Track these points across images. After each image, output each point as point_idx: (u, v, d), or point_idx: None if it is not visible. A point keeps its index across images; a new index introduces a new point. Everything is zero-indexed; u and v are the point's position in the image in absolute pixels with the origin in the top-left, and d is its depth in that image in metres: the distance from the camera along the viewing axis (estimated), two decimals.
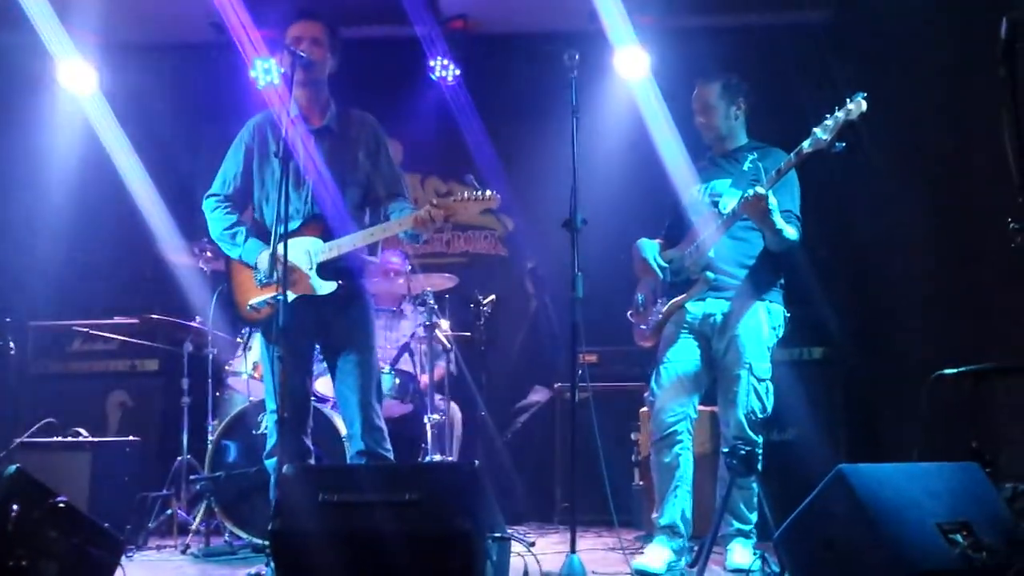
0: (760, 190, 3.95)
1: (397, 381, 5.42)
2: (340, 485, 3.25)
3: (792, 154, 3.94)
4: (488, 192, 3.96)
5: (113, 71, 6.67)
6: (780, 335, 4.28)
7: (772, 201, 3.97)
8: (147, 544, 5.22)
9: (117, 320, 6.14)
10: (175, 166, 6.68)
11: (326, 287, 4.01)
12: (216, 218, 4.21)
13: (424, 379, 5.51)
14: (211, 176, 4.32)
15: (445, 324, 5.74)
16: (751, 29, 6.57)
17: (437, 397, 5.56)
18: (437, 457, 5.33)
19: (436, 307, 5.52)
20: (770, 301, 4.25)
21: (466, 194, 3.98)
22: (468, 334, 5.95)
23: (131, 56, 6.79)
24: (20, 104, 6.63)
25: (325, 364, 4.31)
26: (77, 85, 6.54)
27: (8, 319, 5.95)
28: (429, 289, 5.54)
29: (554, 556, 4.40)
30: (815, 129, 3.83)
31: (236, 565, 4.56)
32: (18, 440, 5.28)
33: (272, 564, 3.37)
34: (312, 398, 4.35)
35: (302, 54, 4.02)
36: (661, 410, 4.24)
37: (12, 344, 5.93)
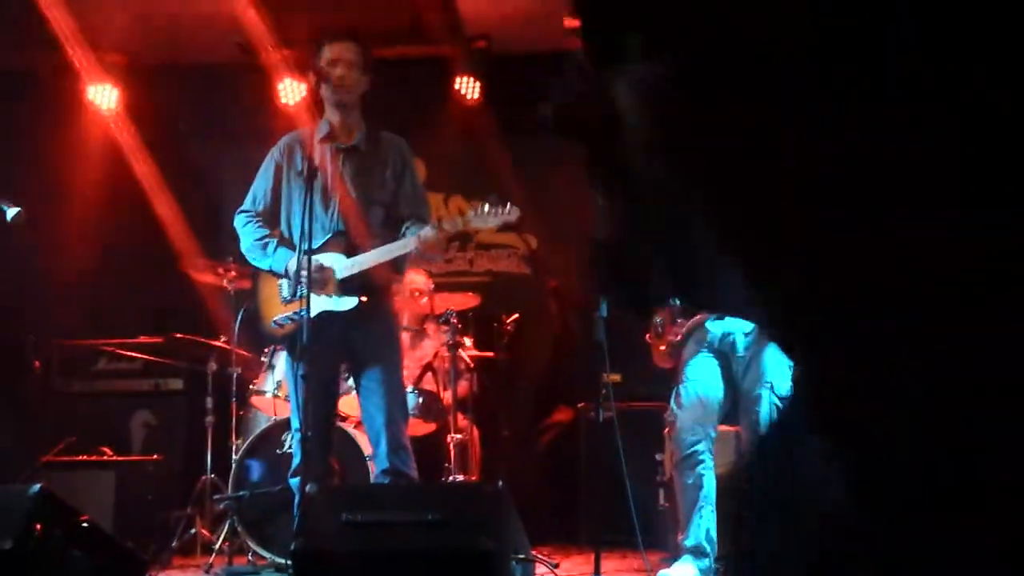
0: None
1: (420, 400, 5.41)
2: (363, 504, 3.24)
3: None
4: (508, 206, 3.96)
5: (140, 91, 6.74)
6: None
7: None
8: (171, 563, 5.21)
9: (142, 339, 6.17)
10: (201, 186, 6.73)
11: (348, 302, 4.01)
12: (247, 231, 4.24)
13: (447, 398, 5.50)
14: (237, 195, 4.35)
15: (468, 343, 5.73)
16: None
17: (460, 416, 5.54)
18: (460, 477, 5.31)
19: (459, 326, 5.50)
20: None
21: (486, 208, 3.98)
22: (491, 353, 5.93)
23: (158, 76, 6.86)
24: (49, 124, 6.69)
25: (350, 382, 4.30)
26: (104, 105, 6.61)
27: (33, 337, 6.00)
28: (452, 308, 5.53)
29: None
30: None
31: None
32: (43, 459, 5.31)
33: None
34: (337, 415, 4.35)
35: (336, 77, 4.05)
36: (682, 430, 4.21)
37: (37, 363, 5.98)
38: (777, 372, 4.13)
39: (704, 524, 4.16)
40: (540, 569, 4.64)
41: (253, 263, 4.25)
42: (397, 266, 4.24)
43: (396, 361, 4.18)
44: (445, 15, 6.36)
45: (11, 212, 4.11)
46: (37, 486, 3.28)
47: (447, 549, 3.11)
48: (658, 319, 4.50)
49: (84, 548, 3.34)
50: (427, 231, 3.98)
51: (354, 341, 4.10)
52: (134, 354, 6.12)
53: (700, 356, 4.26)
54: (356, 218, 4.09)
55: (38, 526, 3.17)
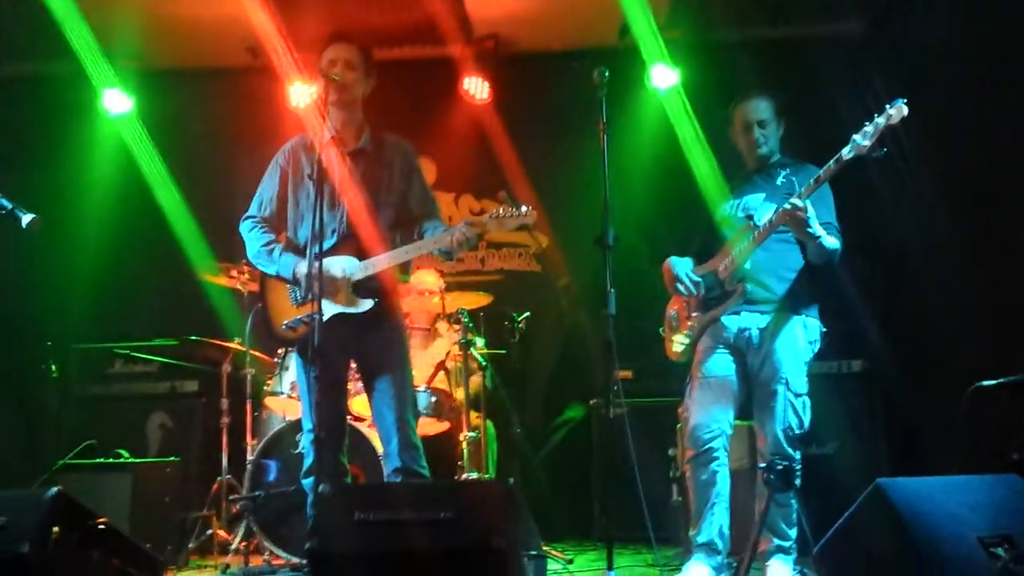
0: (797, 201, 3.93)
1: (433, 399, 5.44)
2: (376, 503, 3.25)
3: (832, 161, 3.89)
4: (524, 208, 3.98)
5: (151, 96, 6.80)
6: (816, 350, 4.24)
7: (810, 211, 3.96)
8: (188, 564, 5.27)
9: (157, 342, 6.23)
10: (212, 189, 6.78)
11: (362, 305, 4.04)
12: (253, 237, 4.27)
13: (459, 397, 5.52)
14: (248, 199, 4.38)
15: (480, 342, 5.75)
16: (784, 42, 6.56)
17: (473, 415, 5.56)
18: (473, 475, 5.34)
19: (471, 325, 5.53)
20: (806, 315, 4.21)
21: (501, 211, 4.01)
22: (503, 351, 5.96)
23: (168, 81, 6.92)
24: (62, 131, 6.75)
25: (361, 383, 4.33)
26: (116, 111, 6.67)
27: (50, 342, 6.06)
28: (464, 307, 5.56)
29: (591, 574, 4.39)
30: (855, 136, 3.79)
31: None
32: (60, 462, 5.36)
33: None
34: (348, 416, 4.38)
35: (335, 77, 4.08)
36: (697, 426, 4.21)
37: (54, 367, 6.04)
38: (793, 368, 4.13)
39: (717, 520, 4.17)
40: (553, 565, 4.67)
41: (260, 269, 4.28)
42: (405, 268, 4.27)
43: (406, 361, 4.20)
44: (453, 16, 6.39)
45: (26, 219, 4.13)
46: (54, 489, 3.31)
47: (459, 547, 3.12)
48: (673, 312, 4.50)
49: (102, 550, 3.38)
50: (455, 229, 4.01)
51: (365, 343, 4.12)
52: (149, 357, 6.18)
53: (716, 352, 4.26)
54: (365, 221, 4.10)
55: (56, 529, 3.20)
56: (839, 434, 5.20)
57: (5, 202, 4.12)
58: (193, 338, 5.82)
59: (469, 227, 3.98)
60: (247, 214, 4.32)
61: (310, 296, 3.94)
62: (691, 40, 6.43)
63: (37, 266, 6.23)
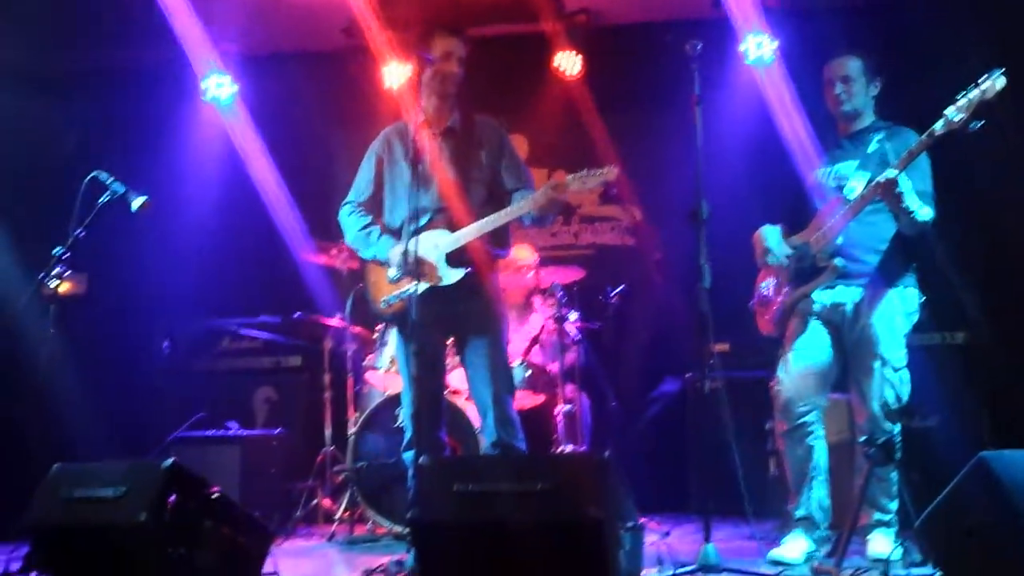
0: (891, 173, 3.84)
1: (529, 373, 5.50)
2: (474, 475, 3.32)
3: (924, 135, 3.80)
4: (605, 168, 3.99)
5: (251, 80, 6.96)
6: (915, 320, 4.16)
7: (904, 184, 3.87)
8: (295, 532, 5.44)
9: (262, 319, 6.42)
10: (311, 169, 6.93)
11: (454, 275, 4.11)
12: (351, 222, 4.38)
13: (554, 370, 5.58)
14: (345, 178, 4.48)
15: (574, 316, 5.79)
16: (880, 6, 6.39)
17: (568, 388, 5.61)
18: (569, 447, 5.40)
19: (565, 299, 5.57)
20: (904, 287, 4.12)
21: (584, 172, 4.02)
22: (597, 325, 5.98)
23: (267, 66, 7.07)
24: (167, 117, 6.96)
25: (459, 357, 4.42)
26: (218, 95, 6.86)
27: (163, 321, 6.30)
28: (558, 281, 5.59)
29: (689, 546, 4.40)
30: (947, 110, 3.69)
31: (379, 552, 4.69)
32: (173, 435, 5.59)
33: (413, 551, 3.50)
34: (446, 390, 4.48)
35: (450, 72, 4.19)
36: (791, 401, 4.18)
37: (166, 344, 6.28)
38: (890, 343, 4.06)
39: (815, 495, 4.15)
40: (651, 537, 4.70)
41: (358, 253, 4.40)
42: (502, 242, 4.31)
43: (501, 334, 4.24)
44: None
45: (136, 202, 4.33)
46: (170, 460, 3.47)
47: (557, 518, 3.17)
48: (764, 284, 4.46)
49: (215, 518, 3.52)
50: (536, 192, 4.06)
51: (459, 315, 4.19)
52: (255, 333, 6.39)
53: (810, 324, 4.21)
54: (456, 197, 4.17)
55: (172, 498, 3.36)
56: (942, 407, 5.09)
57: (118, 187, 4.33)
58: (296, 315, 5.99)
59: (553, 188, 4.02)
60: (345, 200, 4.44)
61: (406, 272, 4.04)
62: (787, 8, 6.31)
63: (148, 247, 6.46)
